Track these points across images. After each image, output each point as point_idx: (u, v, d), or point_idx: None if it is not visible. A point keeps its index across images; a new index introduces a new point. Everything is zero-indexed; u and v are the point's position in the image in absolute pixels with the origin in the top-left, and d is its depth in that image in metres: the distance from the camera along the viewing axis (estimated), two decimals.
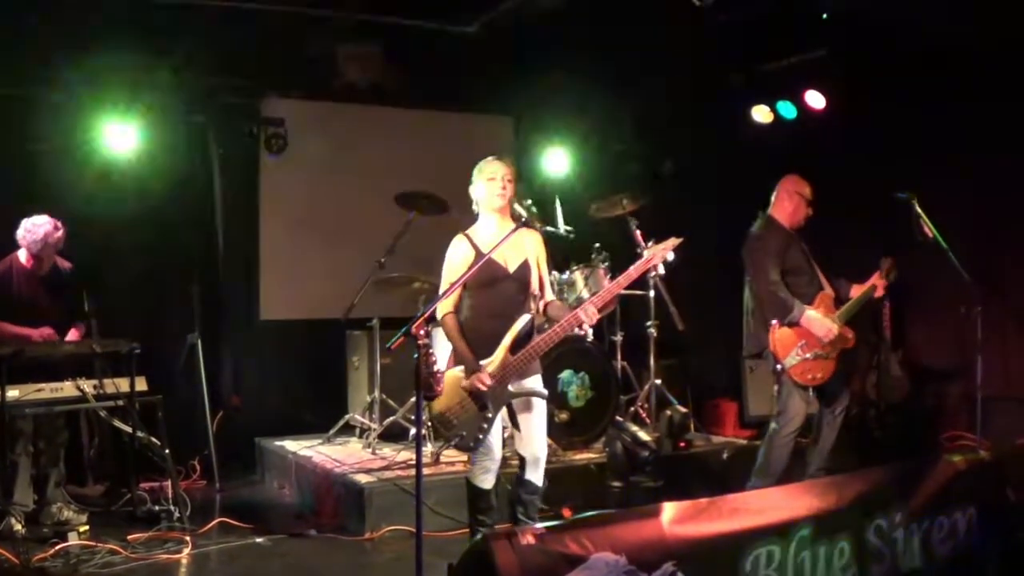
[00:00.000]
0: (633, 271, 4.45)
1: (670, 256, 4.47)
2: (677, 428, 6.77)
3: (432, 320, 4.43)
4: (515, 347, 4.44)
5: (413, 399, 5.94)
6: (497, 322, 4.48)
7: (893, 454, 6.70)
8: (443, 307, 4.51)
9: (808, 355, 5.40)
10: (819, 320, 5.42)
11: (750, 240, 5.64)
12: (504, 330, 4.46)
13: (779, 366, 5.42)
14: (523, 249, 4.59)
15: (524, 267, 4.57)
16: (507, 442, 5.24)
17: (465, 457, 6.12)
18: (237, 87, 7.46)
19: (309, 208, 7.89)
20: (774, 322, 5.44)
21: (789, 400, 5.49)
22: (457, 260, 4.56)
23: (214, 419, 7.17)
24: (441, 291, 4.54)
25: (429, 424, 6.43)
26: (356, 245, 7.47)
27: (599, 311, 4.50)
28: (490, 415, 4.42)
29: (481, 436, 4.43)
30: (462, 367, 4.47)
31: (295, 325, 7.86)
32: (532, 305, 4.60)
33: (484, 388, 4.38)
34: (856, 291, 5.68)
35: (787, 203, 5.67)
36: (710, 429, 7.55)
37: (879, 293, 5.69)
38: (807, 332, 5.43)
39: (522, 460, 4.65)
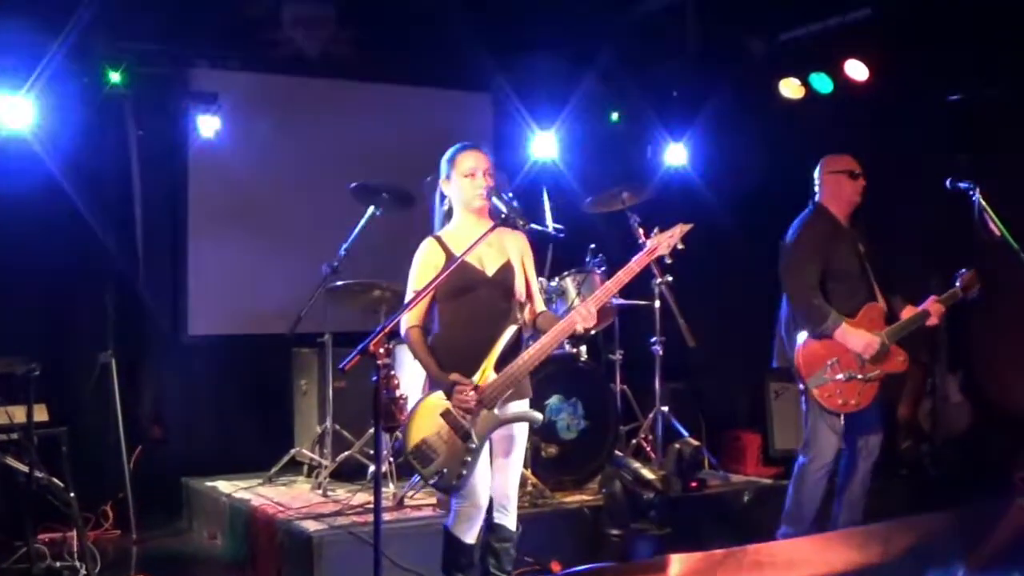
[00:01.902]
0: (635, 264, 4.52)
1: (679, 245, 4.55)
2: (688, 464, 6.77)
3: (395, 335, 4.45)
4: (500, 365, 4.47)
5: (372, 430, 5.76)
6: (476, 336, 4.51)
7: (953, 497, 6.60)
8: (407, 319, 4.53)
9: (840, 375, 5.42)
10: (857, 334, 5.43)
11: (791, 231, 5.66)
12: (485, 345, 4.49)
13: (802, 385, 5.47)
14: (504, 249, 4.63)
15: (506, 270, 4.61)
16: None
17: (434, 499, 6.09)
18: (159, 54, 7.41)
19: (248, 202, 7.88)
20: (803, 332, 5.45)
21: (817, 428, 5.51)
22: (424, 265, 4.59)
23: (131, 455, 7.11)
24: (407, 300, 4.54)
25: (392, 460, 6.39)
26: (305, 246, 7.51)
27: (596, 321, 4.56)
28: (473, 446, 4.44)
29: (464, 472, 4.45)
30: (440, 392, 4.49)
31: (230, 341, 7.86)
32: (519, 315, 4.65)
33: (471, 404, 4.39)
34: (907, 313, 5.67)
35: (831, 186, 5.69)
36: (728, 466, 7.53)
37: (933, 321, 5.67)
38: (842, 348, 5.44)
39: (489, 502, 4.65)
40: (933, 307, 5.63)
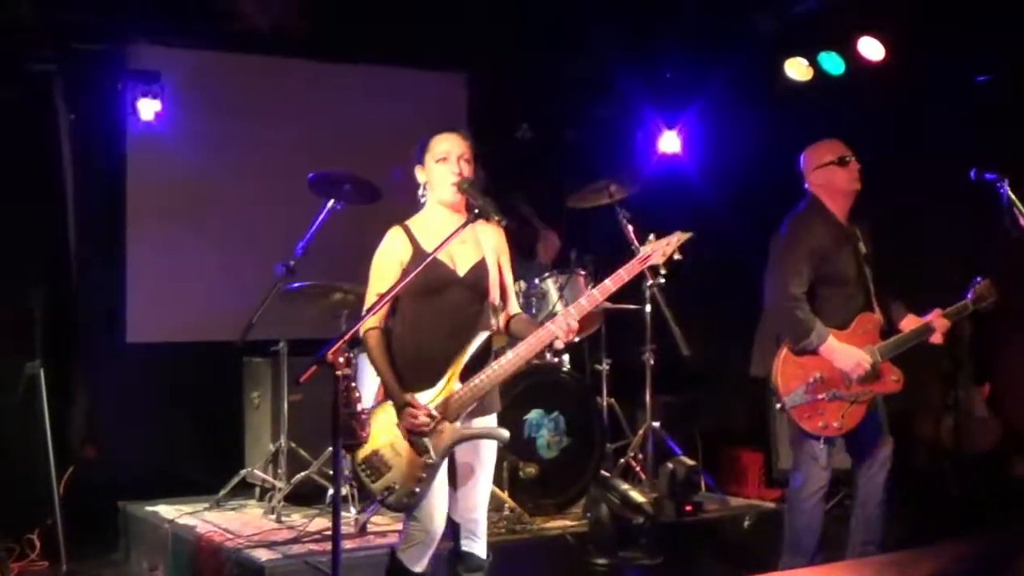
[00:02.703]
0: (624, 273, 4.47)
1: (676, 255, 4.49)
2: (682, 486, 6.76)
3: (358, 343, 4.44)
4: (467, 374, 4.44)
5: (330, 449, 5.77)
6: (442, 342, 4.48)
7: (977, 522, 6.68)
8: (367, 320, 4.48)
9: (822, 395, 5.35)
10: (845, 351, 5.35)
11: (782, 228, 5.59)
12: (451, 353, 4.46)
13: (779, 404, 5.40)
14: (478, 245, 4.61)
15: (479, 269, 4.58)
16: None
17: (400, 525, 6.06)
18: (94, 27, 7.33)
19: (194, 194, 7.85)
20: (783, 344, 5.39)
21: (801, 450, 5.48)
22: (388, 259, 4.55)
23: (61, 477, 7.01)
24: (367, 301, 4.51)
25: (354, 475, 6.35)
26: (257, 244, 7.55)
27: (579, 328, 4.51)
28: (431, 461, 4.40)
29: (418, 490, 4.42)
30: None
31: (174, 350, 7.83)
32: (492, 320, 4.63)
33: (420, 425, 4.36)
34: (909, 324, 5.60)
35: (821, 181, 5.57)
36: (726, 488, 7.54)
37: (936, 338, 5.59)
38: (826, 364, 5.36)
39: (455, 528, 4.64)
40: (938, 322, 5.53)
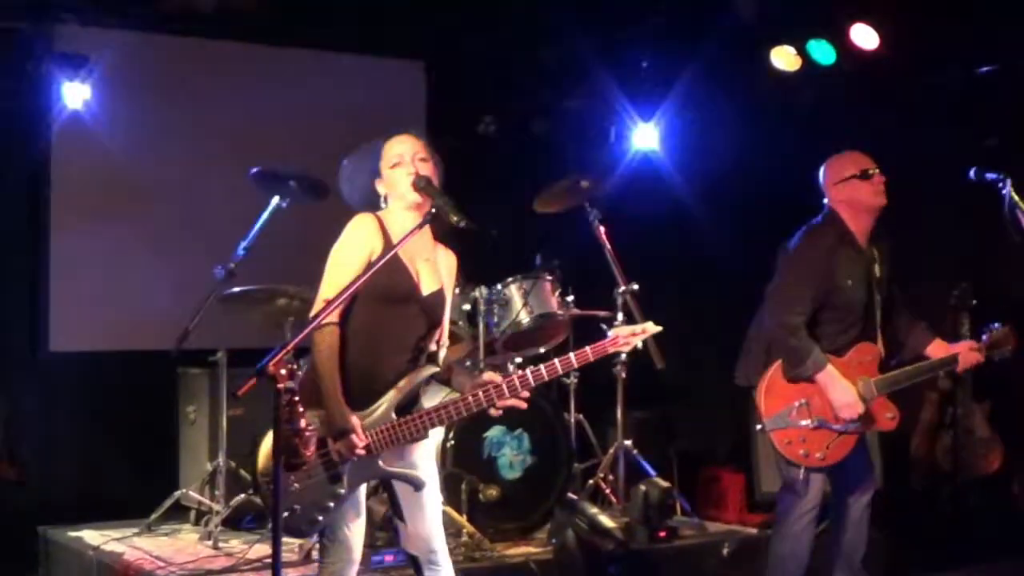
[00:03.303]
0: (591, 352, 4.46)
1: (639, 344, 4.54)
2: (656, 510, 6.75)
3: (304, 353, 4.37)
4: (404, 408, 4.43)
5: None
6: (389, 360, 4.46)
7: (978, 551, 6.67)
8: (327, 314, 4.34)
9: (806, 422, 5.33)
10: (843, 386, 5.33)
11: (794, 241, 5.57)
12: (395, 375, 4.44)
13: (759, 425, 5.41)
14: (437, 271, 4.63)
15: (439, 296, 4.60)
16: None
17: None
18: (16, 6, 7.33)
19: (125, 189, 7.81)
20: (775, 360, 5.40)
21: (789, 470, 5.47)
22: (356, 249, 4.48)
23: None
24: (322, 294, 4.43)
25: (255, 487, 6.41)
26: (195, 244, 7.55)
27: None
28: (341, 491, 4.39)
29: (320, 518, 4.40)
30: (320, 411, 4.38)
31: (101, 359, 7.80)
32: (439, 356, 4.62)
33: (354, 456, 4.34)
34: (937, 352, 5.58)
35: (843, 196, 5.54)
36: (704, 512, 7.53)
37: (961, 367, 5.59)
38: (817, 390, 5.35)
39: (415, 562, 4.62)
40: (967, 354, 5.53)
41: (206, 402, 7.20)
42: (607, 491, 7.16)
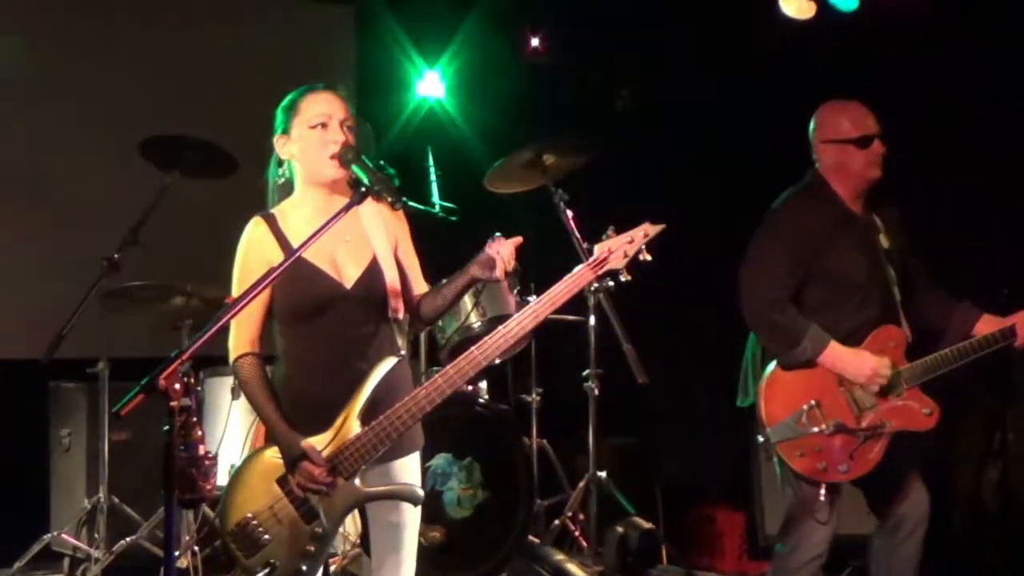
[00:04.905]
0: (565, 287, 4.45)
1: (643, 255, 4.45)
2: (636, 557, 6.86)
3: (207, 363, 4.33)
4: (370, 414, 4.38)
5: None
6: (331, 377, 4.46)
7: None
8: (236, 343, 4.49)
9: (821, 427, 5.30)
10: (855, 357, 5.36)
11: (773, 207, 5.62)
12: (345, 390, 4.42)
13: (760, 437, 5.39)
14: (365, 241, 4.58)
15: (373, 273, 4.55)
16: None
17: None
18: None
19: None
20: (772, 362, 5.43)
21: (791, 503, 5.50)
22: (253, 258, 4.50)
23: None
24: (228, 316, 4.32)
25: (196, 551, 6.36)
26: (69, 230, 7.68)
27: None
28: (321, 531, 4.42)
29: (304, 568, 4.43)
30: (276, 448, 4.45)
31: None
32: (401, 339, 4.63)
33: (319, 484, 4.36)
34: (986, 327, 5.51)
35: (831, 157, 5.58)
36: (696, 559, 7.60)
37: (1022, 341, 5.53)
38: (828, 383, 5.36)
39: None
40: None
41: (83, 424, 7.19)
42: (576, 533, 7.21)
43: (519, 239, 4.44)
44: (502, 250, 4.39)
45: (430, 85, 8.78)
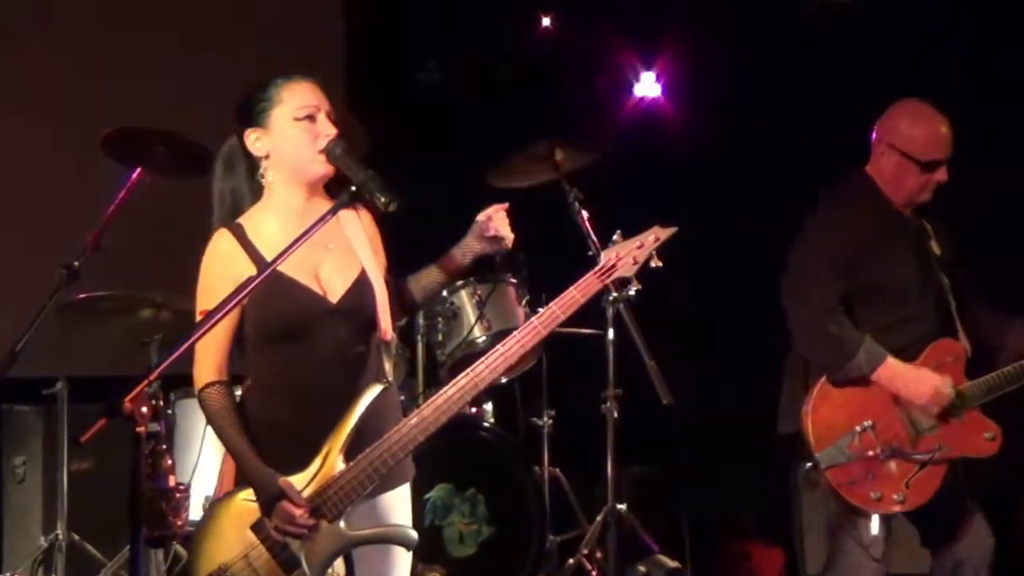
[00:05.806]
0: (578, 292, 4.45)
1: (654, 261, 4.48)
2: None
3: (178, 384, 4.30)
4: (355, 447, 4.35)
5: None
6: (313, 406, 4.43)
7: None
8: (200, 370, 4.45)
9: (874, 452, 5.36)
10: (915, 375, 5.41)
11: (809, 215, 5.67)
12: (329, 421, 4.38)
13: (808, 464, 5.42)
14: (350, 251, 4.57)
15: (361, 287, 4.52)
16: None
17: None
18: None
19: None
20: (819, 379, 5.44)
21: (840, 537, 5.52)
22: (218, 276, 4.46)
23: None
24: (203, 331, 4.29)
25: None
26: (25, 233, 7.73)
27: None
28: None
29: None
30: (250, 490, 4.41)
31: None
32: (387, 363, 4.58)
33: (299, 528, 4.30)
34: None
35: (888, 164, 5.63)
36: None
37: None
38: (882, 402, 5.39)
39: None
40: None
41: (40, 451, 7.27)
42: (593, 573, 7.17)
43: (504, 204, 4.50)
44: (495, 216, 4.48)
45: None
